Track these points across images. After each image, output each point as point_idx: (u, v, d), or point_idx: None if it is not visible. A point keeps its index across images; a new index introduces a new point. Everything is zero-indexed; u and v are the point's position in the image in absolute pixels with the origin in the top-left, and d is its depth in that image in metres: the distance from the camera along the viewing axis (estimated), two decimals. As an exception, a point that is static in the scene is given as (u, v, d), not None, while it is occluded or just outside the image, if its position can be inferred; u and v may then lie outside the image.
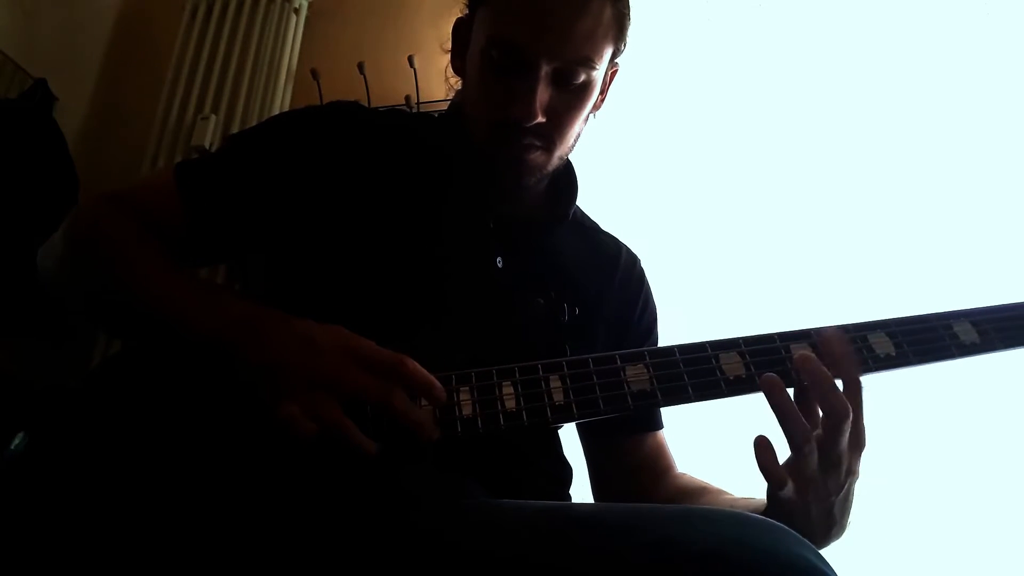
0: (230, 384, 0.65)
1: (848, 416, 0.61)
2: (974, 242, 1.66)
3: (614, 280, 0.97)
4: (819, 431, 0.62)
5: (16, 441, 0.65)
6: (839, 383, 0.63)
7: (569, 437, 0.91)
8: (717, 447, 1.31)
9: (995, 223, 1.67)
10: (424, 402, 0.64)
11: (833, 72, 1.94)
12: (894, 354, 0.68)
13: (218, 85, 2.34)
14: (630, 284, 0.99)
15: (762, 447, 0.62)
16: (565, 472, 0.86)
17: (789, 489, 0.62)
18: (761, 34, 2.03)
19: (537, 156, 0.83)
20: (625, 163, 1.94)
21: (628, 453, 0.94)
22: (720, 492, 0.83)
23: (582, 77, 0.80)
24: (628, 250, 1.03)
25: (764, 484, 0.64)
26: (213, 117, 2.27)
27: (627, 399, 0.66)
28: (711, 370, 0.67)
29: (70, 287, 0.79)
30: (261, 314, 0.67)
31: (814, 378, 0.62)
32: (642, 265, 1.03)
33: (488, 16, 0.81)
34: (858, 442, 0.63)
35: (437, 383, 0.63)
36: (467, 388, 0.66)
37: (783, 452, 0.63)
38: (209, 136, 2.24)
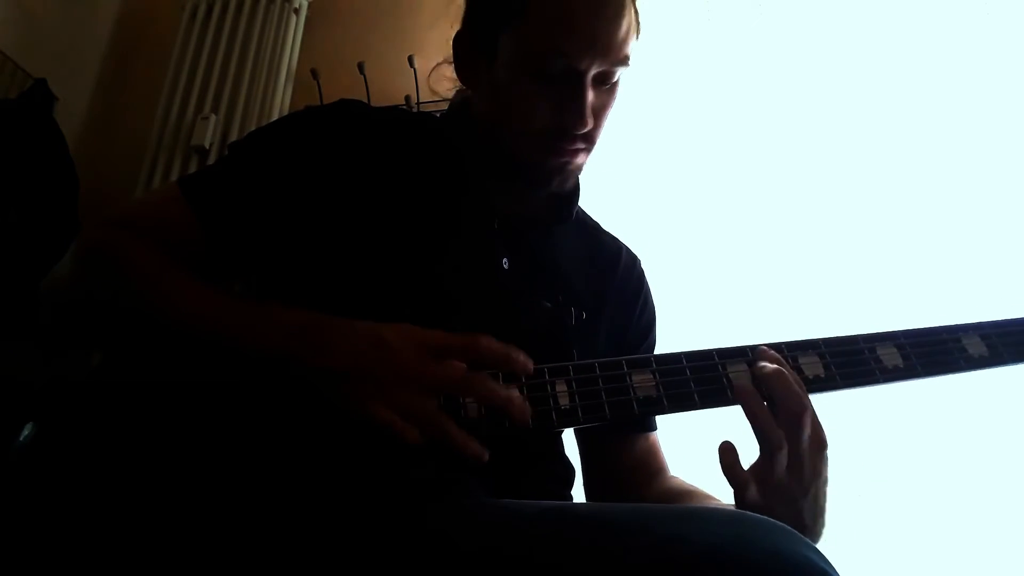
0: (242, 380, 0.65)
1: (806, 411, 0.63)
2: (983, 249, 1.64)
3: (615, 281, 0.97)
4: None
5: (25, 433, 0.65)
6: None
7: (568, 437, 0.92)
8: (710, 451, 1.31)
9: (1005, 229, 1.65)
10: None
11: (834, 72, 1.94)
12: (902, 366, 0.69)
13: (218, 85, 2.34)
14: (630, 284, 0.99)
15: (726, 451, 0.64)
16: (567, 472, 0.86)
17: (752, 492, 0.63)
18: (761, 34, 2.03)
19: (581, 158, 0.84)
20: (625, 163, 1.94)
21: (621, 453, 0.94)
22: (706, 496, 0.83)
23: (618, 75, 0.81)
24: (628, 250, 1.03)
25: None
26: (213, 117, 2.26)
27: (633, 405, 0.66)
28: (717, 378, 0.68)
29: (85, 314, 0.76)
30: (320, 320, 0.66)
31: (770, 382, 0.65)
32: (642, 266, 1.03)
33: (531, 30, 0.79)
34: (819, 442, 0.64)
35: (516, 352, 0.63)
36: None
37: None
38: (209, 136, 2.23)
